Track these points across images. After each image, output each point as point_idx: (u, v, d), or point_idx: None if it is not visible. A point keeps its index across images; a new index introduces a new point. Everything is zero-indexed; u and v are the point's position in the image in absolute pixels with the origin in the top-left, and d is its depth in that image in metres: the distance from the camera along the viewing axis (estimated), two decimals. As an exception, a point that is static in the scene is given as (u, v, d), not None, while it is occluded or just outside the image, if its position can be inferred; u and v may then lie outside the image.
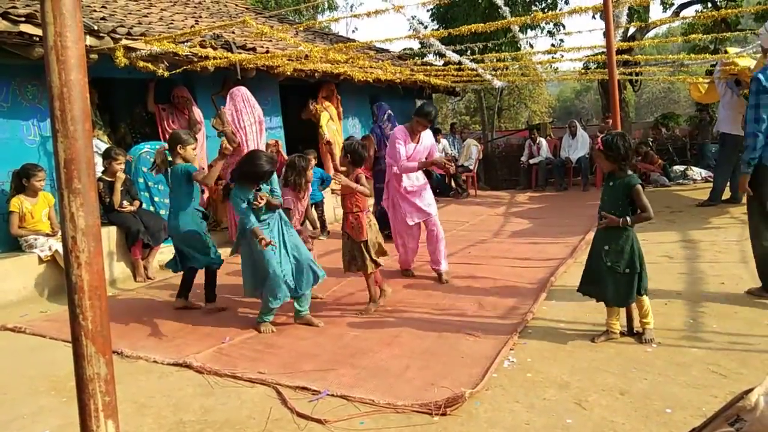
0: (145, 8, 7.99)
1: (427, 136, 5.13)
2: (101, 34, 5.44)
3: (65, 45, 1.07)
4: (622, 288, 3.30)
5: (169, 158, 4.40)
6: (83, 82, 1.11)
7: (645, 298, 3.36)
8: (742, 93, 8.24)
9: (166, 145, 4.46)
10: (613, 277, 3.30)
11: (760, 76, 3.88)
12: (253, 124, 6.37)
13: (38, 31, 4.79)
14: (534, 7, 13.63)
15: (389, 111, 7.46)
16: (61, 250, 4.95)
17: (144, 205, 5.88)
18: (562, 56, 10.16)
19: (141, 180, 6.05)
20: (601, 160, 3.39)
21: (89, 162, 1.11)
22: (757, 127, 3.84)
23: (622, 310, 3.47)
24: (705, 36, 8.41)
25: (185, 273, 4.55)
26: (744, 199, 4.39)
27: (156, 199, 6.09)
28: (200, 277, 4.56)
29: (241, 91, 6.40)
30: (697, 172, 10.75)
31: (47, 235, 5.20)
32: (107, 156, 5.68)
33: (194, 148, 4.48)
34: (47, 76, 1.08)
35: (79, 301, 1.10)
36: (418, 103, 12.59)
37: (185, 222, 4.34)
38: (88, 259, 1.10)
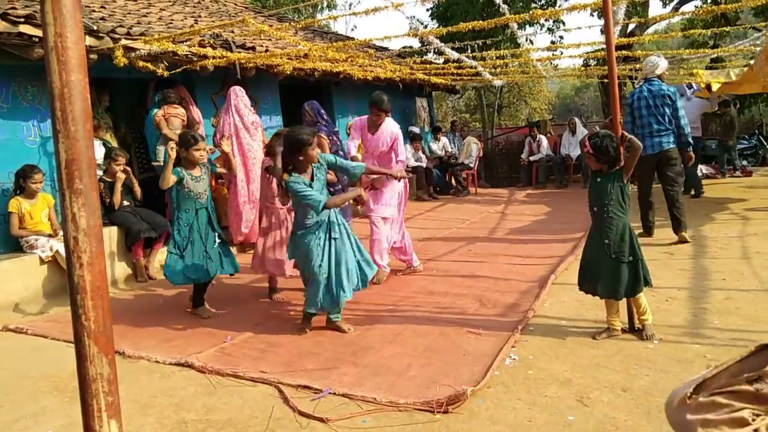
0: (144, 8, 7.99)
1: (388, 127, 4.78)
2: (100, 34, 5.44)
3: (66, 45, 1.07)
4: (629, 277, 3.29)
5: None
6: (84, 83, 1.11)
7: (641, 295, 3.36)
8: (695, 93, 9.14)
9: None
10: (619, 268, 3.29)
11: (629, 96, 5.96)
12: (241, 129, 6.30)
13: (37, 32, 4.79)
14: (533, 4, 13.61)
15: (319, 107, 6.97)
16: (61, 250, 4.96)
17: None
18: (562, 53, 10.13)
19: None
20: (591, 161, 3.42)
21: (90, 162, 1.11)
22: (626, 123, 5.79)
23: (623, 307, 3.47)
24: (705, 31, 8.39)
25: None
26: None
27: None
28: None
29: (235, 92, 6.35)
30: (698, 168, 10.70)
31: (48, 235, 5.20)
32: (107, 156, 5.69)
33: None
34: (48, 76, 1.08)
35: (82, 302, 1.10)
36: (418, 101, 12.58)
37: None
38: (90, 259, 1.10)
